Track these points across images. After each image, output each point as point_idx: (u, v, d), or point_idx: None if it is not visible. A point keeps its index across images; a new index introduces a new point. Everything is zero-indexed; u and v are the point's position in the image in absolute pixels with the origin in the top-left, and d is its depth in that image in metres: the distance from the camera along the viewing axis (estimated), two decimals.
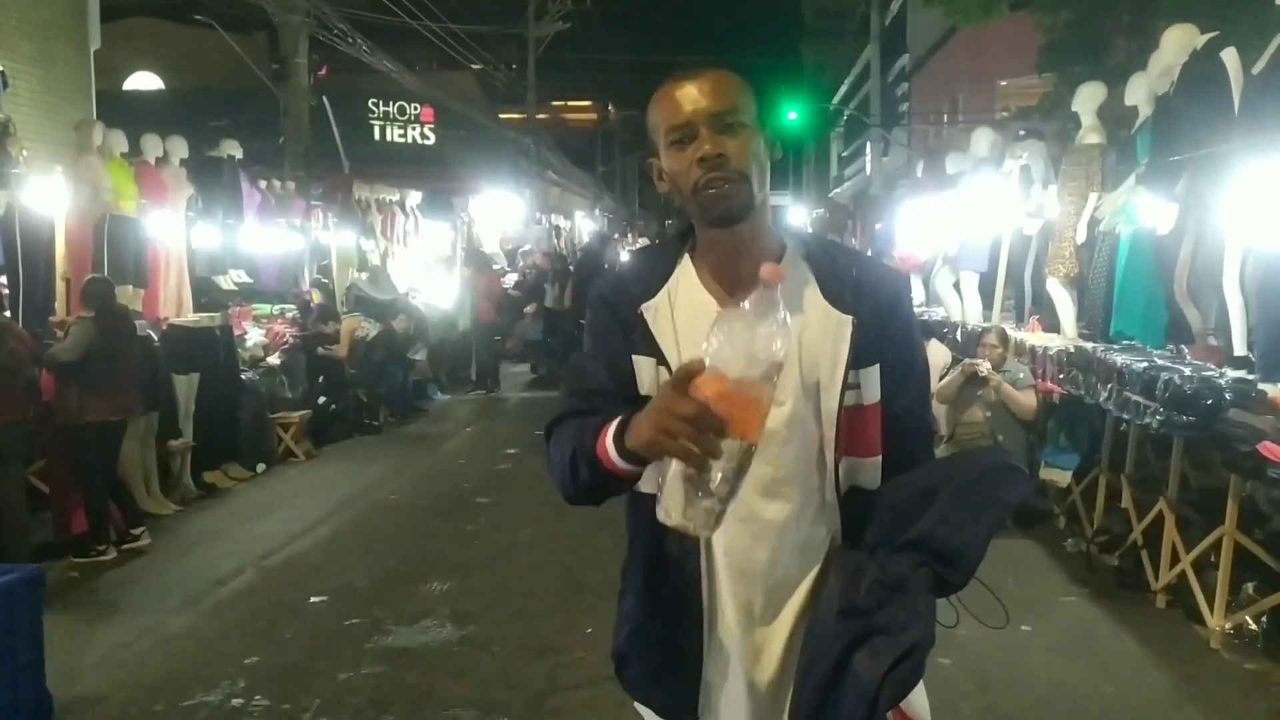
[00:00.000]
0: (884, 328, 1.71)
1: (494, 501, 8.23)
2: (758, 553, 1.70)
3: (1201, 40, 5.63)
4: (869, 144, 36.87)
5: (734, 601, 1.72)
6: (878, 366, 1.70)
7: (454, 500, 8.31)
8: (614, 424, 1.54)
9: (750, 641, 1.73)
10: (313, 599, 5.92)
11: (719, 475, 1.40)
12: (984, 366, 7.05)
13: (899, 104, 34.52)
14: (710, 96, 1.64)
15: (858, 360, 1.67)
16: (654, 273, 1.77)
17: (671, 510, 1.43)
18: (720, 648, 1.74)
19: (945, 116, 26.97)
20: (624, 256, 20.81)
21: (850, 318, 1.68)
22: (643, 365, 1.72)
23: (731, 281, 1.70)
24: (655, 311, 1.73)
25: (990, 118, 19.49)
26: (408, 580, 6.23)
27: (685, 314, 1.71)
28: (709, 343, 1.41)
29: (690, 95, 1.65)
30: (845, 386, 1.67)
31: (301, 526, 7.46)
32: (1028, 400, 7.05)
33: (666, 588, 1.75)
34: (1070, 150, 7.31)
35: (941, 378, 7.84)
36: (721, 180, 1.62)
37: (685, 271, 1.76)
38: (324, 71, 17.95)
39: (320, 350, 11.11)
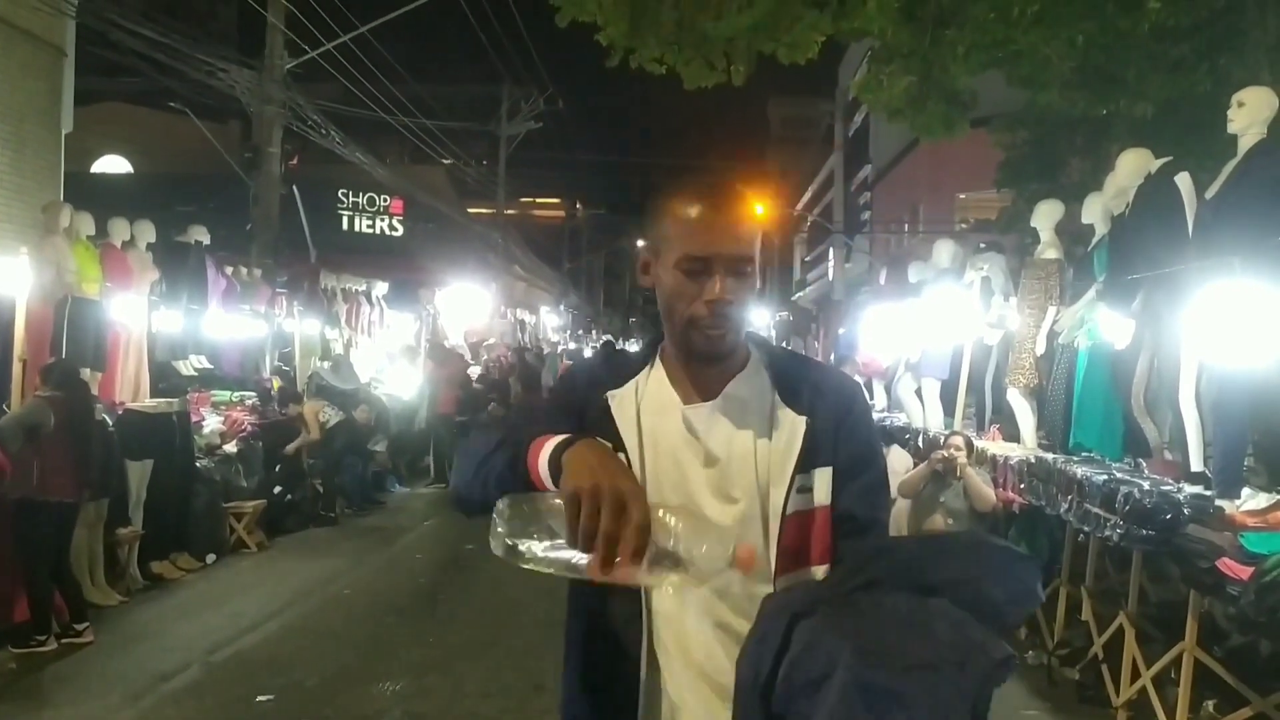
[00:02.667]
0: (837, 429, 1.72)
1: (451, 598, 8.07)
2: (709, 656, 1.67)
3: (1156, 164, 5.84)
4: (832, 250, 37.53)
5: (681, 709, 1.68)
6: (830, 469, 1.70)
7: (410, 596, 8.15)
8: (557, 439, 1.56)
9: None
10: (260, 697, 5.74)
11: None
12: (959, 455, 7.07)
13: (861, 212, 35.29)
14: (733, 238, 1.67)
15: (809, 461, 1.68)
16: (625, 367, 1.82)
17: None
18: None
19: (906, 226, 27.58)
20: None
21: (804, 418, 1.70)
22: None
23: (695, 385, 1.75)
24: (620, 400, 1.76)
25: (950, 229, 20.00)
26: (360, 679, 6.07)
27: (650, 406, 1.76)
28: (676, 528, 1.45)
29: (715, 230, 1.66)
30: (794, 489, 1.67)
31: (251, 621, 7.27)
32: (991, 493, 7.06)
33: (606, 695, 1.72)
34: (1029, 264, 7.50)
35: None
36: (719, 325, 1.67)
37: (655, 370, 1.80)
38: (295, 161, 18.06)
39: (288, 448, 11.02)
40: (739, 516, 1.68)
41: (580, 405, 1.78)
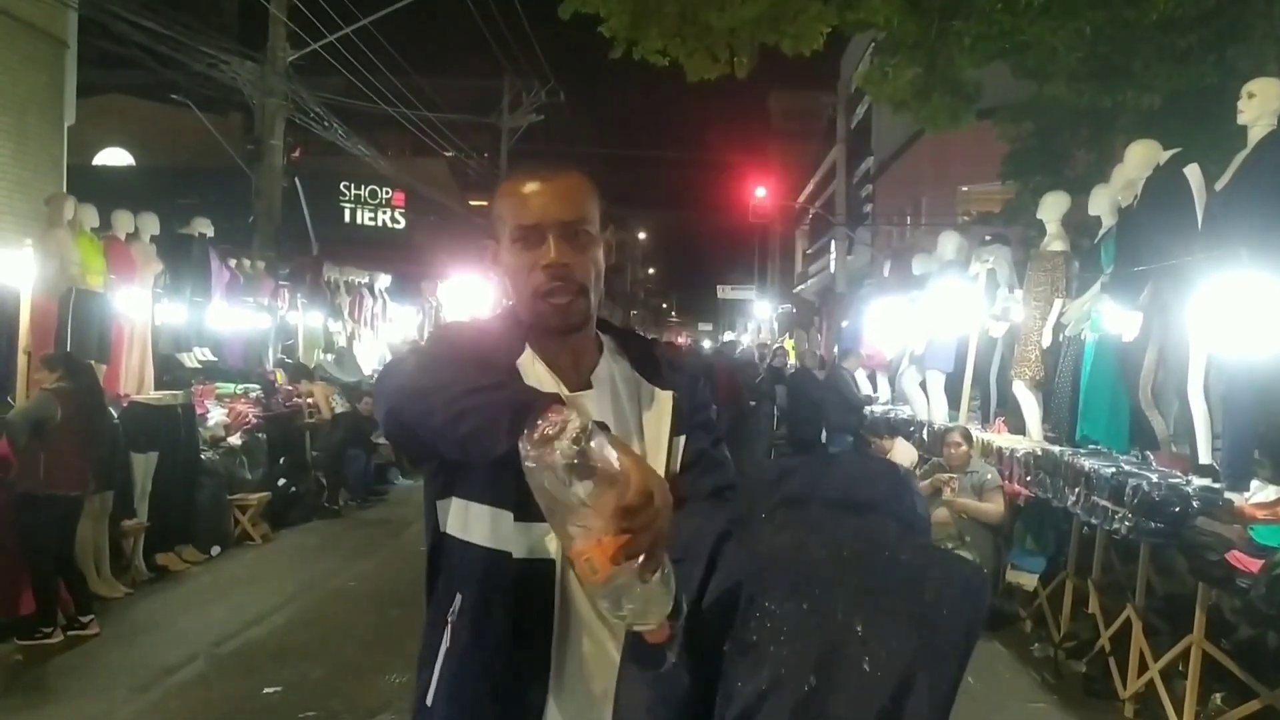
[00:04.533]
0: (692, 401, 1.81)
1: None
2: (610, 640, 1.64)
3: (1164, 156, 5.82)
4: (833, 242, 37.55)
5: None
6: (685, 437, 1.77)
7: (414, 588, 8.00)
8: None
9: None
10: (266, 690, 5.73)
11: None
12: (948, 489, 7.13)
13: (863, 204, 35.26)
14: (561, 204, 1.69)
15: (674, 430, 1.75)
16: (514, 340, 1.75)
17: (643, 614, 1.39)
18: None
19: (908, 218, 27.55)
20: None
21: (670, 392, 1.77)
22: None
23: (562, 371, 1.75)
24: (524, 370, 1.71)
25: (952, 221, 19.95)
26: (366, 672, 6.06)
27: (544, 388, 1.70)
28: None
29: (542, 198, 1.69)
30: (668, 455, 1.73)
31: (256, 613, 7.26)
32: (995, 507, 7.09)
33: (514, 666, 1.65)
34: (1035, 256, 7.48)
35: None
36: (563, 291, 1.67)
37: (529, 352, 1.75)
38: (297, 153, 18.06)
39: (305, 421, 11.13)
40: None
41: (491, 365, 1.65)
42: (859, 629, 1.41)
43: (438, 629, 1.74)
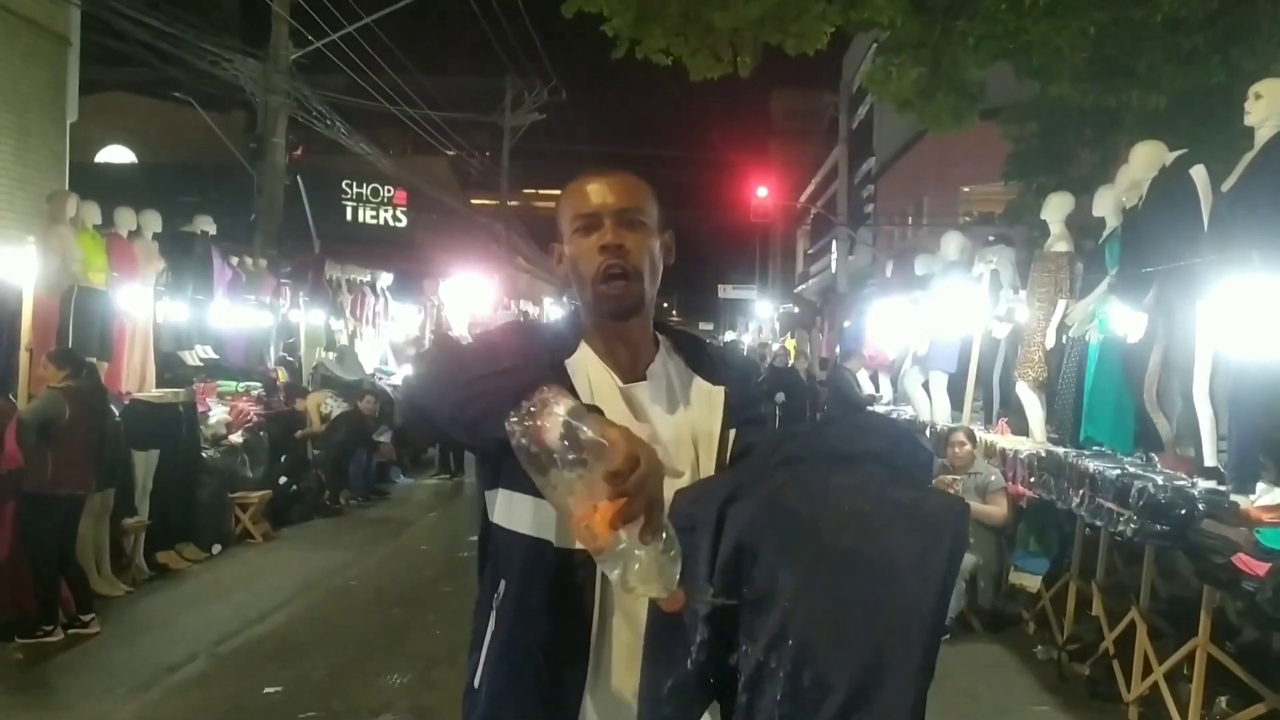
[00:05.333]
0: (743, 396, 1.91)
1: (457, 590, 8.02)
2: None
3: (1170, 157, 5.79)
4: (835, 242, 37.51)
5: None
6: (736, 431, 1.84)
7: (416, 587, 8.13)
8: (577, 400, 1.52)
9: None
10: (267, 689, 5.72)
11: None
12: (952, 490, 7.10)
13: (865, 204, 35.23)
14: (618, 193, 1.78)
15: (726, 425, 1.83)
16: (569, 337, 1.84)
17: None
18: None
19: (910, 219, 27.52)
20: None
21: (722, 388, 1.86)
22: None
23: (618, 366, 1.82)
24: (575, 368, 1.78)
25: (954, 222, 19.93)
26: (367, 672, 6.05)
27: (597, 380, 1.79)
28: None
29: (600, 189, 1.79)
30: (720, 448, 1.81)
31: (257, 612, 7.25)
32: (998, 509, 7.07)
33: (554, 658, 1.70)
34: (1039, 257, 7.46)
35: None
36: (620, 273, 1.75)
37: (583, 347, 1.83)
38: (299, 151, 18.03)
39: (298, 434, 11.10)
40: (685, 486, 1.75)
41: (539, 363, 1.71)
42: (855, 569, 1.50)
43: (484, 615, 1.80)
